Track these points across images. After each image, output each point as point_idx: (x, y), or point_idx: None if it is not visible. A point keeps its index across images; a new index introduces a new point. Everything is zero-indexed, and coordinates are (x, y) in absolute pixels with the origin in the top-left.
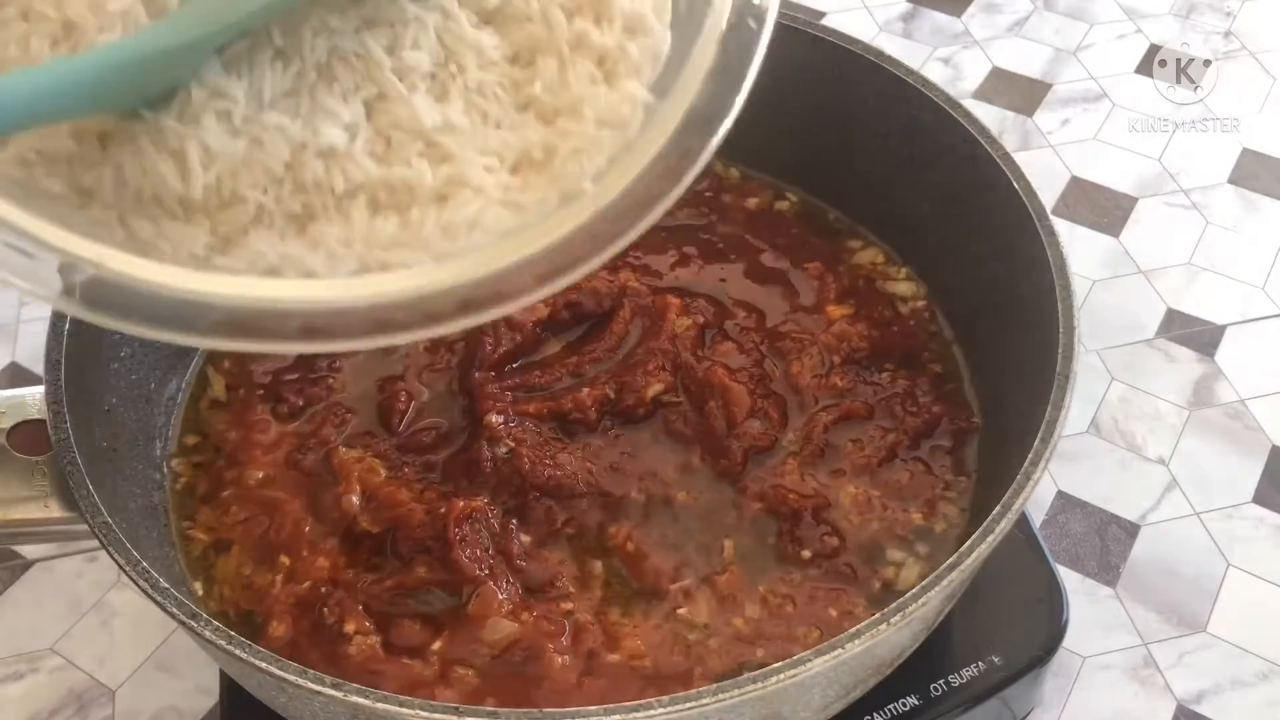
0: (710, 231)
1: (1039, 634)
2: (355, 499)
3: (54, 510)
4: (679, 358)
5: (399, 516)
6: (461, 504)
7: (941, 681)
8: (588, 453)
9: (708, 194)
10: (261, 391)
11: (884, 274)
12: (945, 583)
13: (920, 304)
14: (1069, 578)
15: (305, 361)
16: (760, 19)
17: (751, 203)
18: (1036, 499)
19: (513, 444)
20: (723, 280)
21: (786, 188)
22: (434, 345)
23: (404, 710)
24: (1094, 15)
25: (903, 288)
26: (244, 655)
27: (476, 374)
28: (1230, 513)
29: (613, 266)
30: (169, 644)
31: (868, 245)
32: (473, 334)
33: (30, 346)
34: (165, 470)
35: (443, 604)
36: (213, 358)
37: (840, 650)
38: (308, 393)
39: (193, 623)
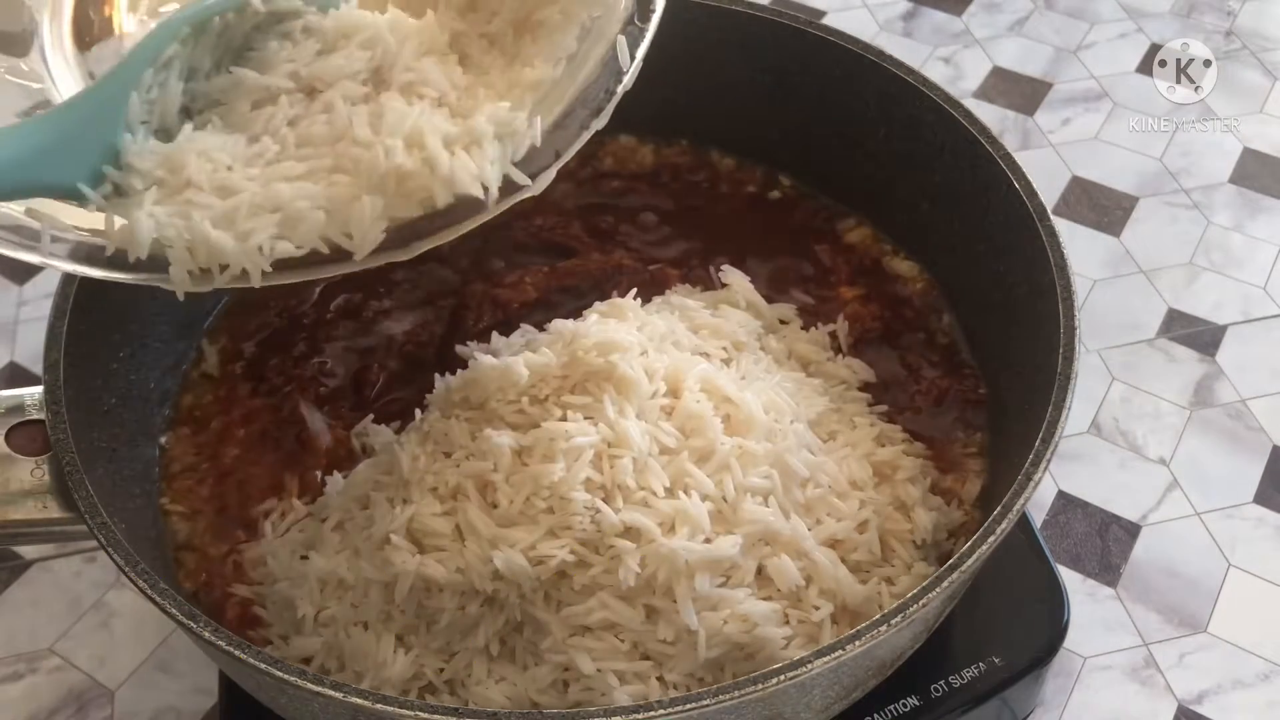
0: (708, 214)
1: (1040, 634)
2: (319, 473)
3: (53, 510)
4: None
5: None
6: None
7: (942, 682)
8: None
9: (704, 184)
10: (245, 368)
11: (882, 252)
12: (946, 584)
13: (921, 285)
14: (1070, 578)
15: (290, 341)
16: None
17: (749, 189)
18: (1037, 499)
19: None
20: (722, 258)
21: (784, 182)
22: (420, 321)
23: (403, 711)
24: (1095, 14)
25: (903, 267)
26: (244, 656)
27: (458, 346)
28: (1231, 513)
29: (607, 248)
30: (168, 644)
31: (860, 225)
32: (456, 309)
33: (29, 346)
34: (160, 459)
35: None
36: (210, 334)
37: (840, 651)
38: (290, 373)
39: (192, 623)
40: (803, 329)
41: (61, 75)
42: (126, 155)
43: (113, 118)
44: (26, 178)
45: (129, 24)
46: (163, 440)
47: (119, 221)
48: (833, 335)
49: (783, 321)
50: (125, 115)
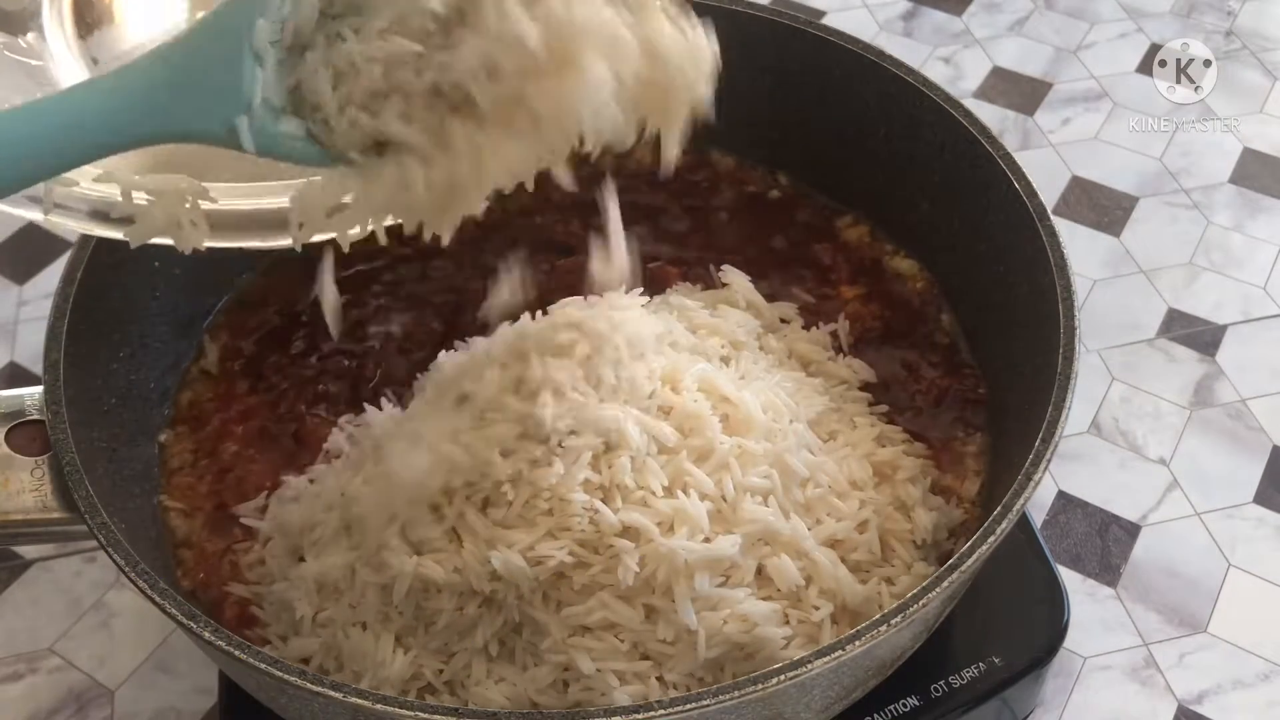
0: (708, 213)
1: (1040, 634)
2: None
3: (53, 510)
4: None
5: None
6: None
7: (942, 682)
8: None
9: (704, 184)
10: (244, 366)
11: (882, 251)
12: (946, 584)
13: (921, 284)
14: (1070, 578)
15: (289, 339)
16: None
17: (749, 189)
18: (1037, 499)
19: None
20: (722, 257)
21: (783, 181)
22: (418, 318)
23: (403, 711)
24: (1095, 14)
25: (904, 266)
26: (244, 656)
27: (456, 343)
28: (1231, 513)
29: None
30: (168, 644)
31: (858, 222)
32: (454, 306)
33: (29, 346)
34: (159, 456)
35: None
36: (211, 331)
37: (840, 651)
38: (287, 371)
39: (192, 624)
40: (803, 328)
41: (61, 54)
42: (254, 89)
43: (235, 49)
44: (152, 127)
45: (129, 11)
46: (162, 438)
47: (140, 197)
48: (833, 335)
49: (783, 320)
50: (251, 44)
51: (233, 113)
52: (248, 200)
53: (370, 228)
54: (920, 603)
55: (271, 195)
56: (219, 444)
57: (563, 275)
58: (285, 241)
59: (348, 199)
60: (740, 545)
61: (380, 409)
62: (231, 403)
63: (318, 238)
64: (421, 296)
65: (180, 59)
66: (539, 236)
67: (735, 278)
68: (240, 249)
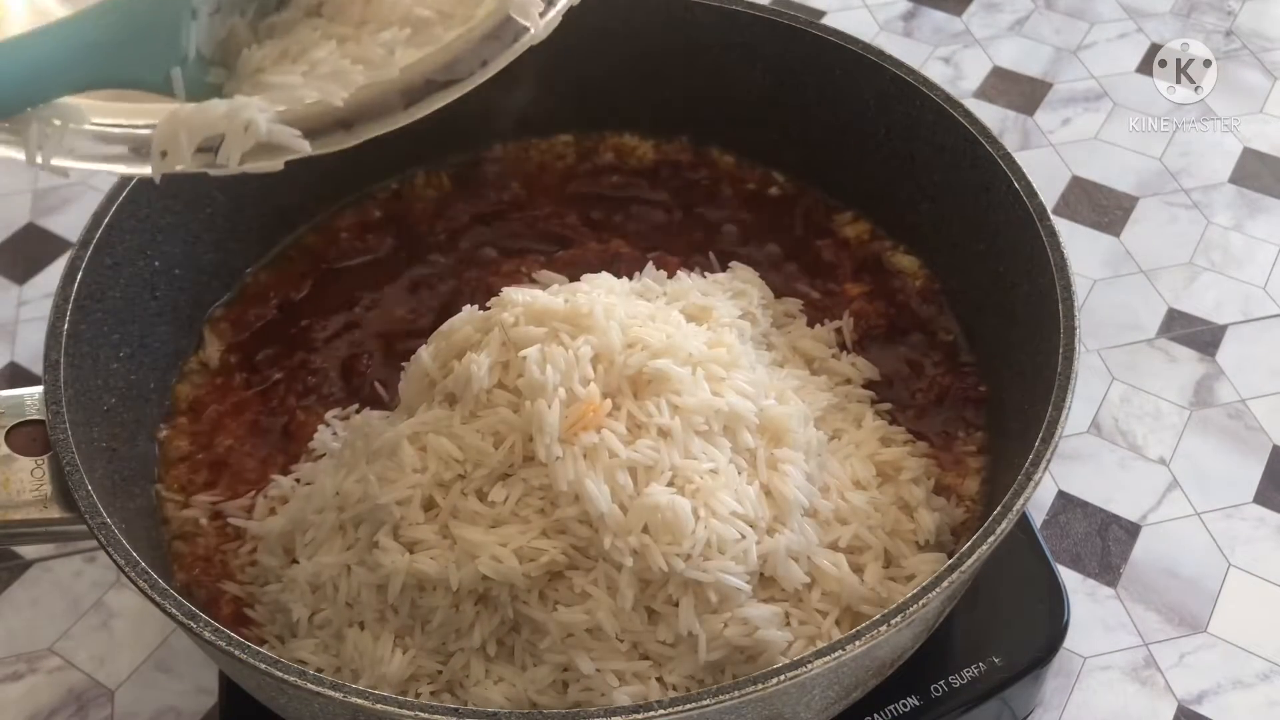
0: (709, 210)
1: (1040, 634)
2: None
3: (53, 510)
4: None
5: None
6: None
7: (942, 682)
8: None
9: (705, 181)
10: (240, 359)
11: (884, 248)
12: (946, 584)
13: (921, 281)
14: (1070, 578)
15: (285, 332)
16: None
17: (749, 187)
18: (1037, 499)
19: None
20: (722, 253)
21: (783, 179)
22: (413, 309)
23: (403, 711)
24: (1095, 14)
25: (905, 262)
26: (244, 656)
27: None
28: (1231, 513)
29: (604, 237)
30: (168, 644)
31: (858, 219)
32: (449, 298)
33: (29, 346)
34: (158, 451)
35: None
36: (211, 324)
37: (840, 651)
38: (281, 363)
39: (192, 623)
40: (807, 325)
41: None
42: (190, 43)
43: (175, 7)
44: (99, 75)
45: None
46: (161, 434)
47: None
48: (837, 332)
49: (788, 316)
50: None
51: (169, 64)
52: (115, 120)
53: (238, 167)
54: (920, 603)
55: (144, 117)
56: (215, 437)
57: (560, 266)
58: (145, 170)
59: (221, 129)
60: (752, 576)
61: (371, 404)
62: (227, 395)
63: (180, 169)
64: (417, 288)
65: (126, 13)
66: (535, 229)
67: (743, 272)
68: (99, 170)
